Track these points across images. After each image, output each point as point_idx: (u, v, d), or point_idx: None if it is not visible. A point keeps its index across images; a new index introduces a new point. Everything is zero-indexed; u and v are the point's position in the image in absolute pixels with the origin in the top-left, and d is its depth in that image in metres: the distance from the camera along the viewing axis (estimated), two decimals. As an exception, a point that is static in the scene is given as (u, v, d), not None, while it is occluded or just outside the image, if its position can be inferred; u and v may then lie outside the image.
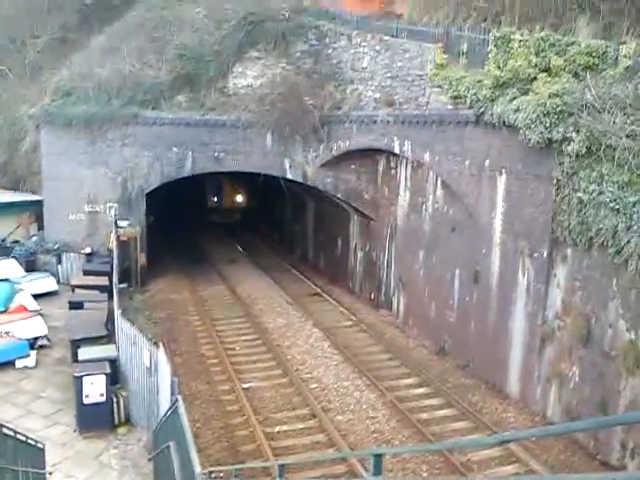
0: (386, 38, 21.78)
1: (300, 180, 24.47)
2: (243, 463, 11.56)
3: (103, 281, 20.27)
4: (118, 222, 23.05)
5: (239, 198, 42.22)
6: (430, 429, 13.41)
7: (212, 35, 25.30)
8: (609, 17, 16.58)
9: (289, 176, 24.55)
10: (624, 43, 15.29)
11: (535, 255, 14.76)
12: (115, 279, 18.05)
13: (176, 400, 9.01)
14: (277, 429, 13.57)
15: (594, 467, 11.91)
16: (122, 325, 14.46)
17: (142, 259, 23.63)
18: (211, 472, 7.81)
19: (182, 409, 8.49)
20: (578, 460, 12.24)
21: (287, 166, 24.30)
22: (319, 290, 24.90)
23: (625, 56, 14.56)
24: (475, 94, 16.65)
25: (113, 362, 14.10)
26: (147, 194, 23.95)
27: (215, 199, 41.82)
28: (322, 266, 28.95)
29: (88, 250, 23.36)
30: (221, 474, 8.31)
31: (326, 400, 14.97)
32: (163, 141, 23.73)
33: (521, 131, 14.57)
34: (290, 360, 17.38)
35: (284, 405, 14.85)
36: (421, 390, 15.69)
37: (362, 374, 16.29)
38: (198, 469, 7.01)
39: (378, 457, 3.28)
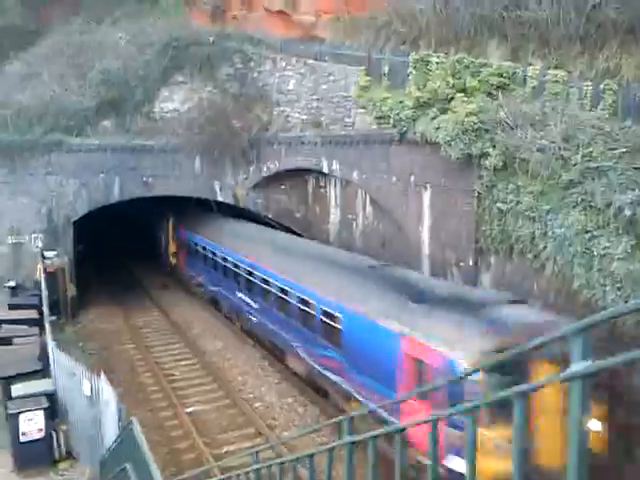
0: (310, 61, 22.50)
1: (231, 202, 24.66)
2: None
3: (31, 314, 19.57)
4: (44, 253, 22.37)
5: None
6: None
7: (136, 60, 25.22)
8: (516, 41, 17.94)
9: (220, 199, 24.69)
10: (530, 65, 16.62)
11: (462, 264, 15.61)
12: (46, 311, 17.53)
13: (130, 422, 9.03)
14: (224, 449, 13.61)
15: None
16: (58, 357, 14.10)
17: (71, 290, 22.99)
18: None
19: (138, 427, 8.54)
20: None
21: (217, 189, 24.43)
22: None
23: (532, 77, 15.83)
24: (398, 114, 17.51)
25: (50, 396, 13.72)
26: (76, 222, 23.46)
27: None
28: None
29: (13, 283, 22.47)
30: None
31: (271, 418, 15.13)
32: (89, 168, 23.32)
33: (442, 148, 15.47)
34: (232, 381, 17.42)
35: (229, 426, 14.90)
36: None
37: (304, 390, 16.54)
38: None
39: (350, 420, 3.70)
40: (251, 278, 18.96)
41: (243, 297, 19.86)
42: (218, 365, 18.76)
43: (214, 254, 22.84)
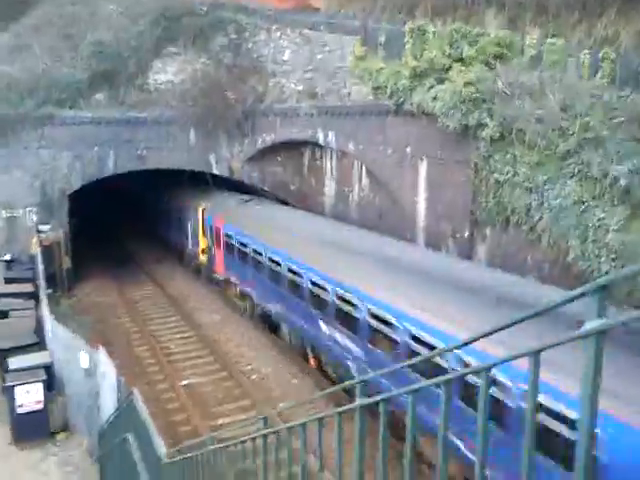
0: (305, 31, 22.15)
1: (226, 175, 24.50)
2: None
3: (27, 288, 19.56)
4: (39, 226, 22.27)
5: None
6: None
7: (128, 31, 24.79)
8: (513, 10, 17.65)
9: (215, 171, 24.52)
10: (528, 34, 16.37)
11: (457, 236, 15.58)
12: (42, 284, 17.51)
13: (131, 392, 9.11)
14: (220, 422, 13.71)
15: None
16: (55, 330, 14.13)
17: (67, 263, 22.94)
18: (178, 450, 8.00)
19: (139, 399, 8.62)
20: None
21: (213, 161, 24.24)
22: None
23: (530, 46, 15.60)
24: (394, 84, 17.29)
25: (47, 368, 13.78)
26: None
27: None
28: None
29: (8, 257, 22.40)
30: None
31: (267, 389, 15.23)
32: (83, 141, 23.07)
33: (439, 118, 15.32)
34: (228, 354, 17.50)
35: (225, 398, 15.00)
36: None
37: (300, 362, 16.61)
38: (163, 450, 7.20)
39: (364, 385, 3.72)
40: (352, 311, 12.55)
41: (335, 335, 13.64)
42: (214, 338, 18.82)
43: (276, 263, 16.70)
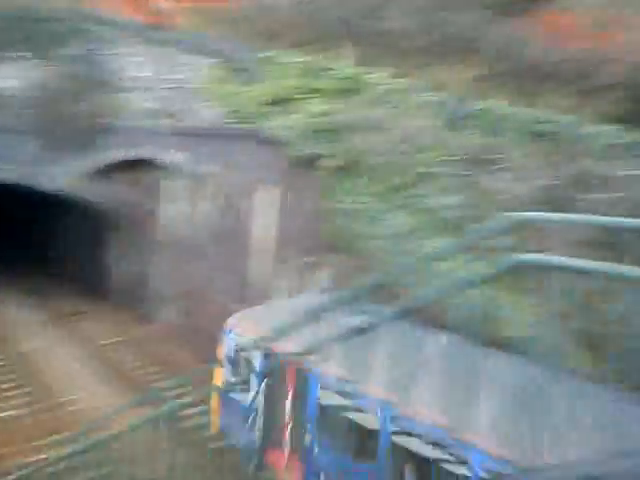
0: (163, 49, 21.62)
1: (66, 191, 22.83)
2: None
3: None
4: None
5: None
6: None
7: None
8: (368, 48, 18.50)
9: (57, 186, 22.77)
10: (377, 72, 17.24)
11: (303, 262, 15.64)
12: None
13: None
14: (35, 458, 12.30)
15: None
16: None
17: None
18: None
19: None
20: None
21: (52, 176, 22.51)
22: (85, 308, 22.96)
23: (377, 84, 16.43)
24: (247, 110, 17.32)
25: None
26: None
27: None
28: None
29: None
30: None
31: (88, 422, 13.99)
32: None
33: (288, 147, 15.52)
34: (49, 385, 15.95)
35: (43, 432, 13.56)
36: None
37: (130, 392, 15.55)
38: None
39: None
40: None
41: None
42: (34, 368, 17.10)
43: None
